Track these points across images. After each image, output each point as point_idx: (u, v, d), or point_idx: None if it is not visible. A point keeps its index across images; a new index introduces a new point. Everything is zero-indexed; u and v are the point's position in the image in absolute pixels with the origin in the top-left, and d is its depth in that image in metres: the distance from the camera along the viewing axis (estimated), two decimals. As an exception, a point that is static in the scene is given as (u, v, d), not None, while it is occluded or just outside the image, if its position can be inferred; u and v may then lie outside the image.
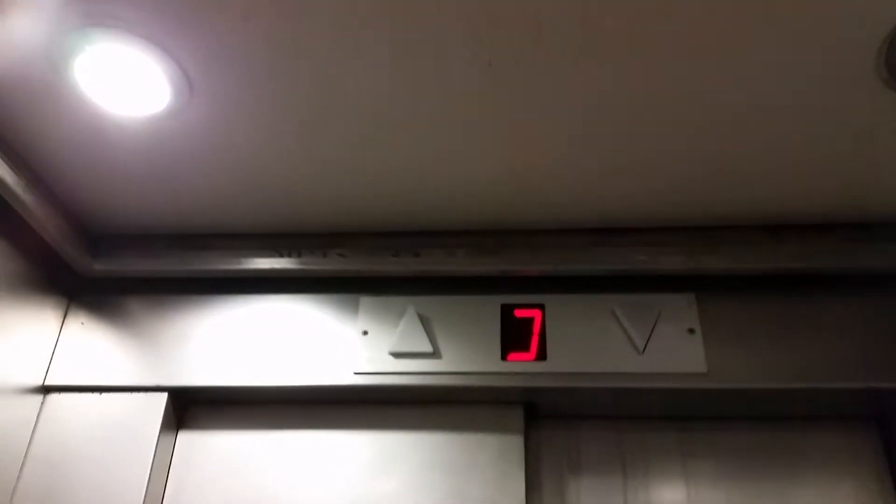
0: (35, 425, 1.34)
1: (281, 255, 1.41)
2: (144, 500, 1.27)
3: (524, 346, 1.34)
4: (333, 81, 1.08)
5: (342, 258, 1.40)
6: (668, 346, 1.30)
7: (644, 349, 1.30)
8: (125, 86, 1.09)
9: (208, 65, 1.06)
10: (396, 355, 1.35)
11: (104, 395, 1.37)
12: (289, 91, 1.10)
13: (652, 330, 1.32)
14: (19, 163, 1.21)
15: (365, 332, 1.38)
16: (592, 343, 1.33)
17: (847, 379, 1.28)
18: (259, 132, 1.18)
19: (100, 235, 1.44)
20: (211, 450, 1.38)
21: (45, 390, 1.37)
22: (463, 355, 1.34)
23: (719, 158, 1.21)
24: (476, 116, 1.14)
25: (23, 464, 1.30)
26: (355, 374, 1.34)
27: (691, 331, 1.31)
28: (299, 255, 1.41)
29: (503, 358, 1.33)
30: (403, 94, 1.10)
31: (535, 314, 1.36)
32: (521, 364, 1.32)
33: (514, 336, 1.35)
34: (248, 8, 0.97)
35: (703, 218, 1.35)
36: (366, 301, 1.41)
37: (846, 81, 1.05)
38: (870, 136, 1.14)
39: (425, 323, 1.37)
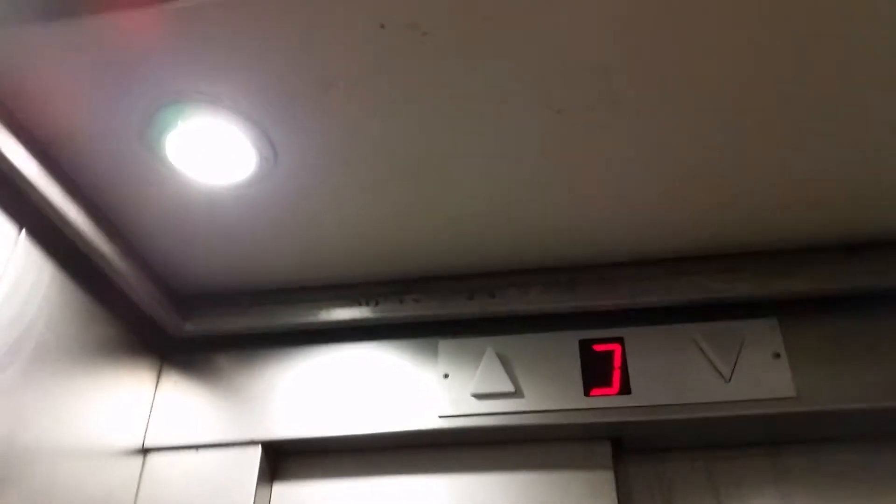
0: (138, 486, 1.39)
1: (359, 304, 1.45)
2: (245, 553, 1.31)
3: (606, 381, 1.34)
4: (407, 141, 1.13)
5: (417, 303, 1.44)
6: (755, 372, 1.29)
7: (731, 377, 1.30)
8: (213, 156, 1.15)
9: (292, 131, 1.11)
10: (479, 396, 1.37)
11: (201, 451, 1.42)
12: (364, 153, 1.15)
13: (737, 357, 1.31)
14: (113, 232, 1.28)
15: (446, 375, 1.40)
16: (676, 374, 1.33)
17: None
18: (336, 192, 1.23)
19: (188, 296, 1.51)
20: (305, 500, 1.41)
21: (145, 451, 1.42)
22: (545, 393, 1.35)
23: (787, 184, 1.21)
24: (544, 159, 1.17)
25: (130, 524, 1.35)
26: (439, 417, 1.36)
27: (777, 355, 1.30)
28: (376, 304, 1.44)
29: (586, 393, 1.34)
30: (473, 146, 1.14)
31: (615, 348, 1.37)
32: (605, 399, 1.33)
33: (594, 371, 1.36)
34: (330, 77, 1.02)
35: (778, 241, 1.35)
36: (444, 344, 1.43)
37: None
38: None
39: (505, 363, 1.38)
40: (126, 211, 1.28)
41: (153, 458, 1.42)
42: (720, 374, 1.30)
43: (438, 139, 1.13)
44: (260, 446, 1.40)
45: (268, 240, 1.36)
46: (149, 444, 1.42)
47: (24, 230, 1.13)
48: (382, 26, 0.95)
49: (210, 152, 1.15)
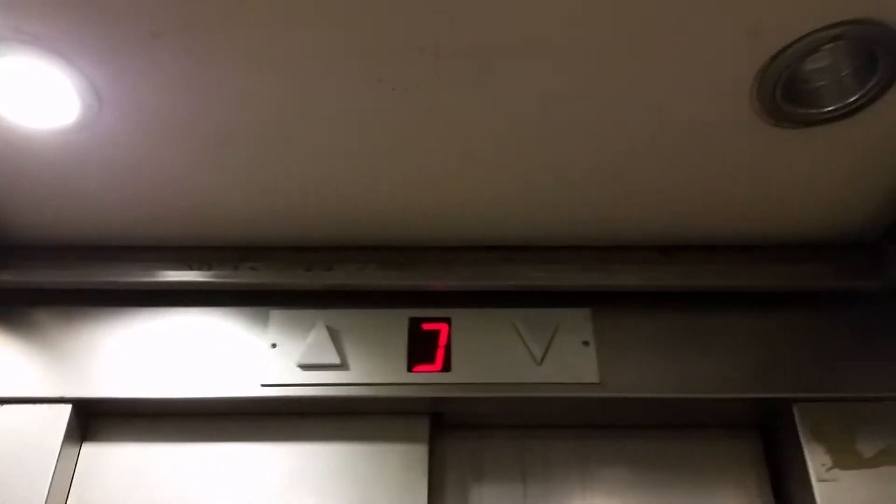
0: (-69, 437, 1.31)
1: (191, 269, 1.42)
2: (44, 514, 1.26)
3: (430, 358, 1.39)
4: (242, 97, 1.12)
5: (253, 272, 1.43)
6: (564, 358, 1.37)
7: (542, 360, 1.37)
8: (34, 99, 1.10)
9: (118, 79, 1.08)
10: (304, 367, 1.38)
11: (6, 406, 1.35)
12: (198, 106, 1.13)
13: (550, 342, 1.38)
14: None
15: (274, 345, 1.40)
16: (495, 355, 1.39)
17: (731, 390, 1.37)
18: (169, 146, 1.21)
19: (8, 246, 1.43)
20: (116, 463, 1.38)
21: (-55, 401, 1.35)
22: (370, 367, 1.38)
23: (614, 185, 1.30)
24: (385, 138, 1.19)
25: (-85, 477, 1.27)
26: (262, 385, 1.37)
27: (586, 343, 1.39)
28: (210, 269, 1.43)
29: (409, 369, 1.38)
30: (315, 111, 1.14)
31: (442, 327, 1.42)
32: (427, 375, 1.37)
33: (420, 348, 1.40)
34: (157, 25, 1.00)
35: (601, 238, 1.44)
36: (276, 314, 1.43)
37: (725, 117, 1.14)
38: (744, 162, 1.25)
39: (334, 336, 1.40)
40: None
41: (-49, 411, 1.35)
42: (533, 356, 1.37)
43: (273, 104, 1.13)
44: (71, 405, 1.35)
45: (96, 192, 1.31)
46: (-50, 394, 1.35)
47: None
48: (211, -20, 0.94)
49: (30, 95, 1.10)
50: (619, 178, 1.29)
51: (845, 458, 1.30)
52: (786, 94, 1.11)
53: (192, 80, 1.08)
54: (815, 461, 1.30)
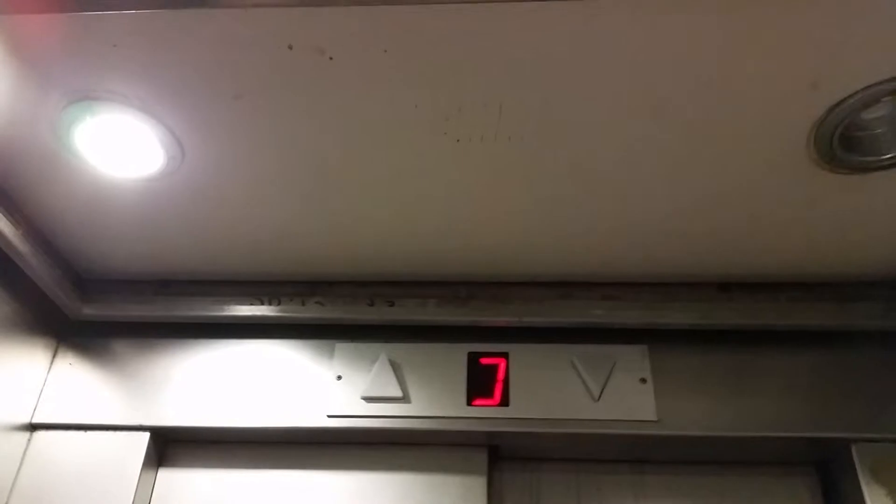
0: (21, 461, 1.41)
1: (262, 303, 1.49)
2: (125, 536, 1.34)
3: (488, 393, 1.43)
4: (316, 150, 1.18)
5: (320, 306, 1.49)
6: (622, 395, 1.40)
7: (599, 397, 1.40)
8: (121, 150, 1.18)
9: (200, 134, 1.15)
10: (368, 399, 1.43)
11: (89, 433, 1.44)
12: (273, 158, 1.20)
13: (607, 379, 1.41)
14: (18, 217, 1.30)
15: (339, 377, 1.46)
16: (552, 390, 1.42)
17: (787, 429, 1.38)
18: (244, 192, 1.28)
19: (92, 280, 1.52)
20: (190, 488, 1.45)
21: (33, 427, 1.44)
22: (431, 400, 1.43)
23: (674, 229, 1.32)
24: (447, 183, 1.24)
25: (8, 499, 1.36)
26: (328, 416, 1.43)
27: (643, 380, 1.41)
28: (279, 303, 1.49)
29: (468, 403, 1.42)
30: (383, 160, 1.20)
31: (500, 362, 1.46)
32: (486, 409, 1.41)
33: (479, 382, 1.44)
34: (239, 87, 1.07)
35: (659, 274, 1.46)
36: (341, 347, 1.49)
37: (783, 164, 1.17)
38: (800, 205, 1.26)
39: (396, 369, 1.46)
40: (33, 197, 1.30)
41: (40, 436, 1.44)
42: (590, 393, 1.40)
43: (345, 155, 1.19)
44: (148, 432, 1.43)
45: (174, 232, 1.39)
46: (37, 420, 1.44)
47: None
48: (290, 47, 1.00)
49: (119, 147, 1.18)
50: (679, 223, 1.31)
51: (906, 500, 1.30)
52: (843, 142, 1.12)
53: (269, 136, 1.15)
54: (876, 502, 1.30)
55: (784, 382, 1.42)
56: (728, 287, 1.47)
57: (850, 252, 1.36)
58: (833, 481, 1.43)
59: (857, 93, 1.04)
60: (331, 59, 1.02)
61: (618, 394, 1.40)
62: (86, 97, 1.10)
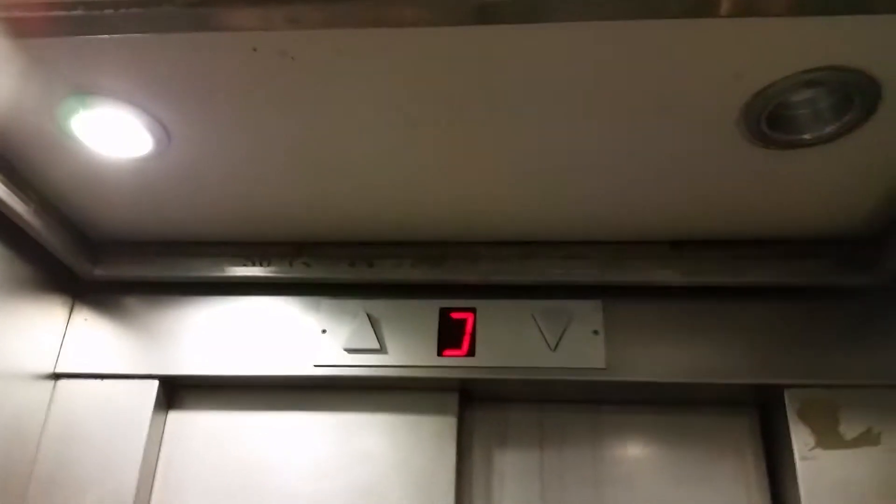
0: (48, 407, 1.60)
1: (253, 264, 1.65)
2: (140, 470, 1.54)
3: (457, 344, 1.58)
4: (285, 137, 1.30)
5: (306, 266, 1.64)
6: (575, 346, 1.55)
7: (556, 347, 1.55)
8: (115, 136, 1.32)
9: (183, 122, 1.28)
10: (349, 350, 1.60)
11: (105, 381, 1.63)
12: (249, 142, 1.32)
13: (563, 332, 1.56)
14: (30, 193, 1.45)
15: (324, 331, 1.63)
16: (514, 341, 1.57)
17: (727, 377, 1.52)
18: (230, 168, 1.41)
19: (100, 244, 1.69)
20: (196, 427, 1.65)
21: (56, 377, 1.63)
22: (406, 351, 1.59)
23: (625, 194, 1.43)
24: (420, 157, 1.35)
25: (39, 439, 1.57)
26: (315, 366, 1.60)
27: (595, 332, 1.56)
28: (269, 264, 1.65)
29: (439, 353, 1.58)
30: (358, 140, 1.31)
31: (468, 316, 1.61)
32: (455, 359, 1.57)
33: (449, 335, 1.59)
34: (213, 85, 1.19)
35: (614, 235, 1.58)
36: (325, 304, 1.65)
37: (717, 141, 1.27)
38: (739, 176, 1.37)
39: (374, 323, 1.61)
40: (42, 176, 1.45)
41: (63, 384, 1.63)
42: (548, 344, 1.55)
43: (313, 138, 1.31)
44: (157, 380, 1.62)
45: (170, 202, 1.53)
46: (59, 370, 1.63)
47: (-58, 192, 1.30)
48: (255, 49, 1.11)
49: (112, 133, 1.31)
50: (631, 193, 1.43)
51: (827, 439, 1.45)
52: (770, 123, 1.22)
53: (243, 123, 1.28)
54: (800, 441, 1.46)
55: (728, 334, 1.55)
56: (679, 245, 1.58)
57: (790, 216, 1.47)
58: (770, 422, 1.58)
59: (776, 82, 1.13)
60: (293, 59, 1.13)
61: (572, 344, 1.55)
62: (80, 91, 1.22)
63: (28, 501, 1.53)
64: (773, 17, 1.00)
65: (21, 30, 1.01)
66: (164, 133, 1.31)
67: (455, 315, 1.61)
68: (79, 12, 0.95)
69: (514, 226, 1.58)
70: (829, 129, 1.21)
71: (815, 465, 1.44)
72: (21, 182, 1.43)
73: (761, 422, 1.61)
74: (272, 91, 1.20)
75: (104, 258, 1.68)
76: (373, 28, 1.00)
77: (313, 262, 1.64)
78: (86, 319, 1.68)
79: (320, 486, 1.58)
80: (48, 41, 1.12)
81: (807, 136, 1.23)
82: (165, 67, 1.16)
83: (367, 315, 1.62)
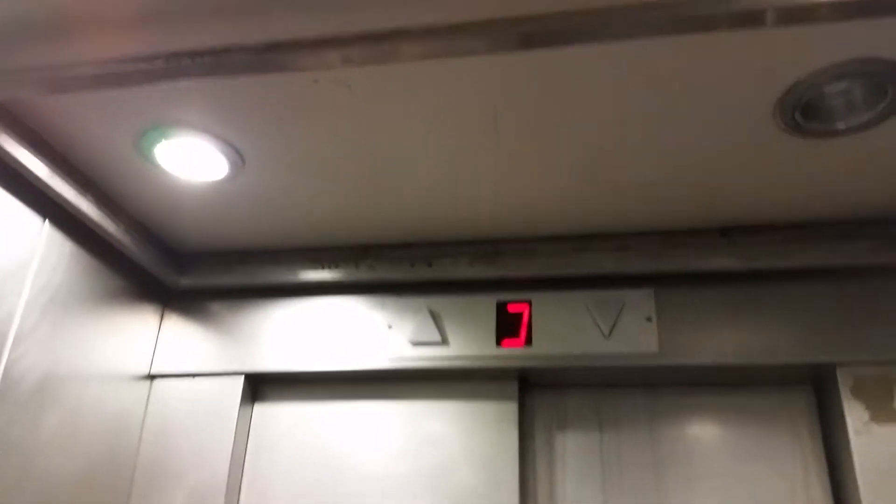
0: (147, 405, 1.78)
1: (323, 268, 1.78)
2: (231, 458, 1.70)
3: (515, 334, 1.68)
4: (353, 155, 1.42)
5: (371, 268, 1.76)
6: (629, 332, 1.62)
7: (610, 335, 1.63)
8: (194, 162, 1.46)
9: (255, 147, 1.41)
10: (415, 344, 1.71)
11: (196, 379, 1.79)
12: (320, 157, 1.44)
13: (616, 319, 1.64)
14: (121, 216, 1.62)
15: (390, 326, 1.75)
16: (569, 330, 1.66)
17: (777, 357, 1.57)
18: (301, 185, 1.54)
19: (185, 257, 1.85)
20: (279, 418, 1.80)
21: (152, 377, 1.81)
22: (466, 342, 1.70)
23: (673, 182, 1.49)
24: (475, 162, 1.45)
25: (140, 435, 1.75)
26: (384, 359, 1.72)
27: (648, 319, 1.63)
28: (337, 267, 1.77)
29: (498, 344, 1.68)
30: (410, 153, 1.42)
31: (524, 308, 1.70)
32: (513, 350, 1.67)
33: (506, 326, 1.69)
34: (283, 114, 1.31)
35: (664, 224, 1.64)
36: (390, 302, 1.77)
37: (757, 131, 1.32)
38: (779, 165, 1.41)
39: (436, 318, 1.72)
40: (130, 199, 1.62)
41: (158, 383, 1.81)
42: (602, 332, 1.63)
43: (375, 150, 1.42)
44: (243, 376, 1.77)
45: (246, 217, 1.68)
46: (154, 371, 1.80)
47: (47, 220, 1.47)
48: (316, 81, 1.23)
49: (191, 159, 1.45)
50: (678, 183, 1.49)
51: (881, 414, 1.49)
52: (806, 113, 1.26)
53: (310, 146, 1.40)
54: (853, 416, 1.50)
55: (778, 316, 1.60)
56: (728, 232, 1.63)
57: (833, 199, 1.51)
58: (824, 399, 1.62)
59: (807, 76, 1.18)
60: (349, 87, 1.24)
61: (625, 331, 1.63)
62: (161, 124, 1.36)
63: (134, 489, 1.71)
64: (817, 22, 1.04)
65: (110, 81, 1.14)
66: (238, 158, 1.44)
67: (512, 307, 1.71)
68: (160, 63, 1.08)
69: (565, 220, 1.66)
70: (863, 119, 1.25)
71: (869, 440, 1.48)
72: (112, 205, 1.60)
73: (817, 399, 1.65)
74: (332, 116, 1.31)
75: (190, 269, 1.84)
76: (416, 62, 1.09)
77: (377, 264, 1.76)
78: (175, 325, 1.85)
79: (393, 469, 1.71)
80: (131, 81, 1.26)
81: (841, 126, 1.27)
82: (236, 100, 1.29)
83: (429, 311, 1.73)
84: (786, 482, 1.59)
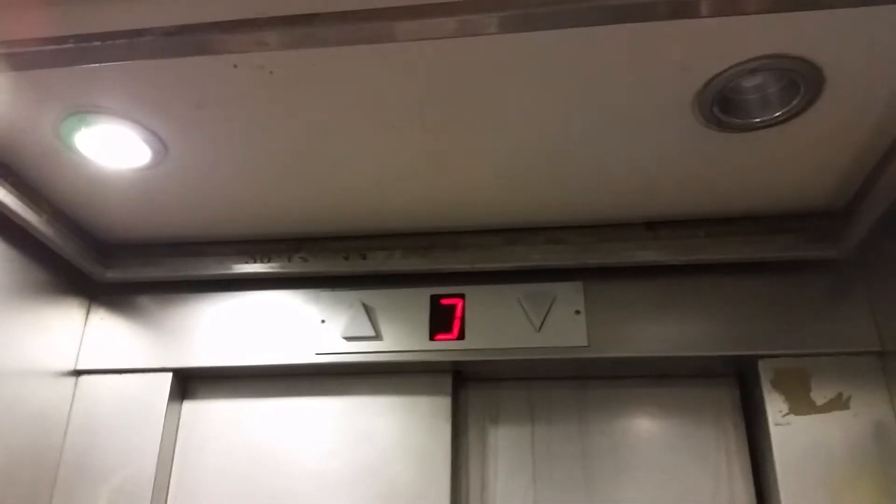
0: (72, 401, 1.73)
1: (255, 261, 1.75)
2: (158, 456, 1.67)
3: (448, 328, 1.68)
4: (273, 143, 1.40)
5: (304, 261, 1.75)
6: (559, 325, 1.64)
7: (540, 328, 1.64)
8: (115, 149, 1.42)
9: (178, 135, 1.38)
10: (348, 338, 1.70)
11: (123, 375, 1.75)
12: (240, 148, 1.42)
13: (547, 313, 1.65)
14: (43, 205, 1.57)
15: (323, 321, 1.73)
16: (501, 324, 1.66)
17: (702, 349, 1.60)
18: (226, 174, 1.51)
19: (111, 248, 1.80)
20: (209, 415, 1.77)
21: (77, 373, 1.76)
22: (399, 336, 1.69)
23: (600, 179, 1.51)
24: (404, 153, 1.44)
25: (65, 432, 1.70)
26: (316, 353, 1.70)
27: (577, 312, 1.65)
28: (269, 260, 1.75)
29: (431, 338, 1.68)
30: (341, 144, 1.41)
31: (458, 302, 1.70)
32: (446, 343, 1.67)
33: (440, 320, 1.69)
34: (200, 100, 1.29)
35: (592, 219, 1.66)
36: (323, 295, 1.76)
37: (676, 126, 1.34)
38: (701, 159, 1.44)
39: (369, 312, 1.71)
40: (52, 189, 1.57)
41: (84, 380, 1.76)
42: (533, 325, 1.64)
43: (310, 142, 1.41)
44: (171, 373, 1.74)
45: (173, 207, 1.64)
46: (80, 367, 1.76)
47: (-38, 209, 1.42)
48: (235, 66, 1.21)
49: (112, 147, 1.42)
50: (605, 179, 1.51)
51: (800, 405, 1.53)
52: (724, 108, 1.29)
53: (235, 133, 1.37)
54: (774, 408, 1.54)
55: (703, 309, 1.63)
56: (654, 226, 1.66)
57: (755, 193, 1.54)
58: (747, 391, 1.66)
59: (722, 72, 1.20)
60: (271, 73, 1.22)
61: (555, 324, 1.64)
62: (80, 110, 1.33)
63: (57, 487, 1.66)
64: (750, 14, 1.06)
65: (20, 63, 1.10)
66: (160, 145, 1.41)
67: (445, 301, 1.71)
68: (70, 45, 1.05)
69: (496, 214, 1.66)
70: (777, 114, 1.28)
71: (788, 431, 1.52)
72: (33, 194, 1.55)
73: (740, 391, 1.69)
74: (255, 102, 1.29)
75: (116, 261, 1.80)
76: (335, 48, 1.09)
77: (310, 257, 1.75)
78: (101, 319, 1.80)
79: (326, 465, 1.69)
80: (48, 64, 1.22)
81: (757, 120, 1.30)
82: (157, 86, 1.26)
83: (363, 304, 1.72)
84: (710, 473, 1.62)
